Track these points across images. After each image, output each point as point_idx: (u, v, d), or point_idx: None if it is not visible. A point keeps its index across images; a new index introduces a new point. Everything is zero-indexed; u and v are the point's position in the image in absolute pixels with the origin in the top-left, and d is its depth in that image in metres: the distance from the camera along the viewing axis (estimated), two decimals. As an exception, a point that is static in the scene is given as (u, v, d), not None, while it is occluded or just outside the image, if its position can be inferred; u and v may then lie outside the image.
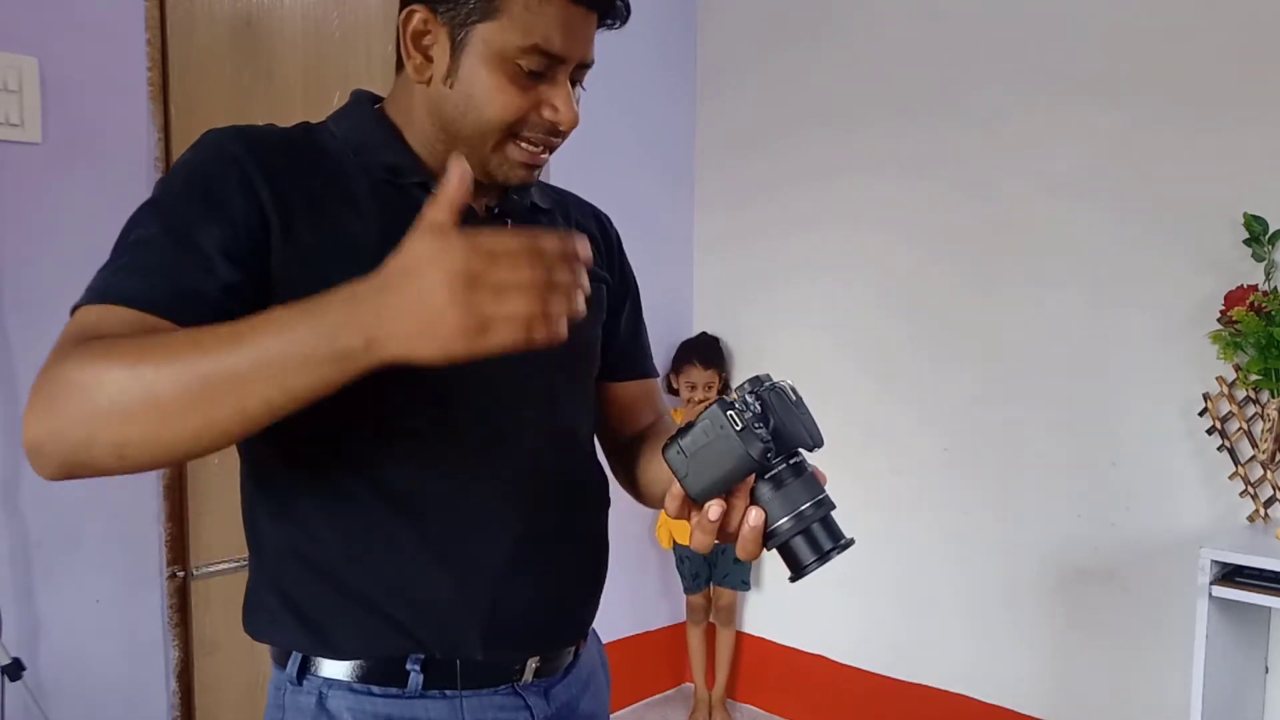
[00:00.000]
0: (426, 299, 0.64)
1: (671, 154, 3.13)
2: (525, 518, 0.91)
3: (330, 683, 0.87)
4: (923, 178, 2.66)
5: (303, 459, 0.87)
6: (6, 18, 1.75)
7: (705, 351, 3.01)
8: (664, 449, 0.78)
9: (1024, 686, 2.54)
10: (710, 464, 0.76)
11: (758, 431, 0.75)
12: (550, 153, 0.90)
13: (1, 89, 1.74)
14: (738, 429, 0.75)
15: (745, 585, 3.03)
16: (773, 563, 3.08)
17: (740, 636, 3.14)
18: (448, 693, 0.88)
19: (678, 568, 3.03)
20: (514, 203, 0.97)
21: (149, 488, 1.98)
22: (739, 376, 3.14)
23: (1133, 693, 2.34)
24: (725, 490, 0.77)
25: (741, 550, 0.79)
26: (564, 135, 0.89)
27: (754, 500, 0.78)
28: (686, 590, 3.03)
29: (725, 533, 0.79)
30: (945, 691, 2.68)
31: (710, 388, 2.97)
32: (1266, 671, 2.16)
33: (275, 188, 0.83)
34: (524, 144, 0.88)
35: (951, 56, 2.60)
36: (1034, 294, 2.46)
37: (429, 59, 0.87)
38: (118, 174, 1.91)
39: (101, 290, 0.78)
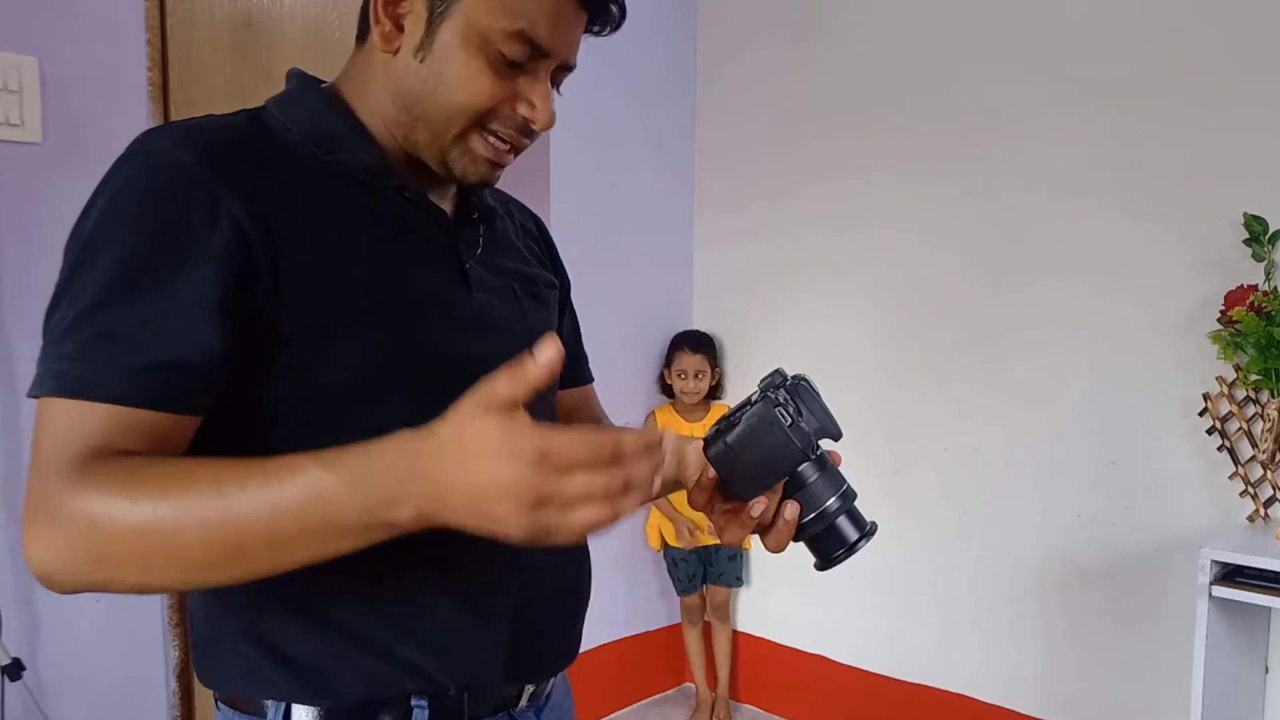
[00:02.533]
0: (489, 507, 0.61)
1: (672, 152, 3.13)
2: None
3: None
4: (923, 177, 2.66)
5: None
6: (6, 18, 1.75)
7: (694, 338, 3.02)
8: (706, 448, 0.79)
9: (1023, 686, 2.54)
10: (758, 460, 0.77)
11: (802, 425, 0.77)
12: (516, 154, 0.84)
13: (1, 89, 1.74)
14: (787, 424, 0.76)
15: (739, 581, 3.05)
16: (767, 564, 3.08)
17: (740, 636, 3.14)
18: None
19: (670, 572, 3.02)
20: (482, 204, 0.91)
21: (149, 488, 1.98)
22: (735, 375, 3.14)
23: (1133, 693, 2.34)
24: (770, 486, 0.78)
25: (773, 542, 0.80)
26: (534, 136, 0.83)
27: (784, 496, 0.80)
28: (681, 592, 3.02)
29: (758, 527, 0.80)
30: (945, 691, 2.68)
31: (701, 376, 2.97)
32: (1266, 671, 2.16)
33: (247, 203, 0.73)
34: (491, 138, 0.81)
35: (952, 56, 2.60)
36: (1034, 293, 2.46)
37: (399, 28, 0.80)
38: (118, 174, 1.91)
39: (71, 380, 0.69)
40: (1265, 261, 2.06)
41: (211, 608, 0.82)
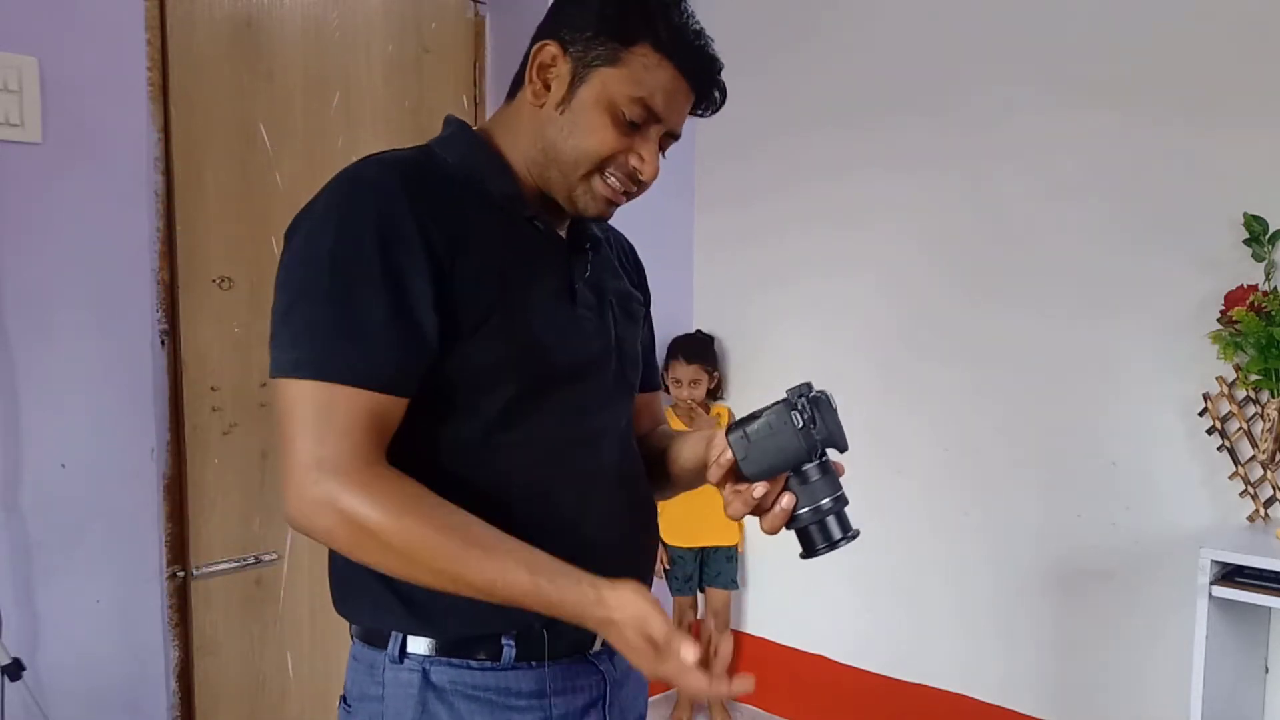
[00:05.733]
0: (630, 659, 0.89)
1: (671, 154, 3.10)
2: (619, 509, 1.05)
3: (432, 660, 0.97)
4: (922, 177, 2.66)
5: (442, 472, 0.94)
6: (6, 18, 1.75)
7: (690, 348, 3.01)
8: (728, 432, 0.94)
9: (1024, 686, 2.54)
10: (768, 451, 0.92)
11: (812, 431, 0.91)
12: (627, 199, 1.04)
13: (1, 89, 1.74)
14: (798, 426, 0.90)
15: (735, 584, 3.03)
16: (767, 564, 3.08)
17: (740, 636, 3.14)
18: (533, 664, 0.99)
19: (667, 570, 3.02)
20: (591, 235, 1.10)
21: (149, 487, 1.98)
22: (736, 375, 3.14)
23: (1133, 692, 2.34)
24: (774, 475, 0.93)
25: (767, 524, 0.96)
26: (643, 186, 1.04)
27: (785, 487, 0.94)
28: (676, 592, 3.01)
29: (759, 509, 0.96)
30: (945, 691, 2.68)
31: (696, 384, 2.96)
32: (1266, 671, 2.16)
33: (438, 224, 0.92)
34: (607, 181, 1.00)
35: (951, 56, 2.60)
36: (1034, 293, 2.47)
37: (547, 88, 0.99)
38: (118, 174, 1.91)
39: (328, 367, 0.87)
40: (1265, 261, 2.07)
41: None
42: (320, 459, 0.86)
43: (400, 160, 0.97)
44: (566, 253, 1.06)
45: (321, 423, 0.86)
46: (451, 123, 1.06)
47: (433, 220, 0.92)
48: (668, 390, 3.03)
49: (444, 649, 0.97)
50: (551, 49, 0.98)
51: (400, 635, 0.97)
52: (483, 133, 1.06)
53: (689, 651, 0.85)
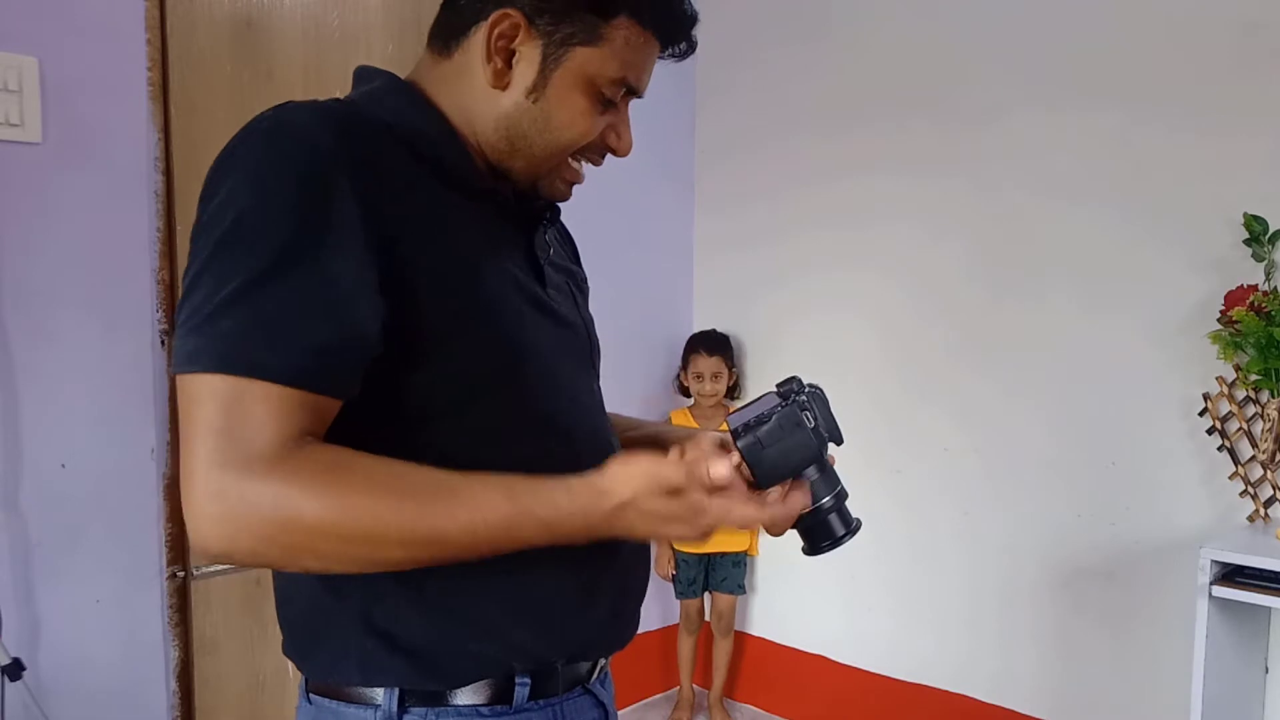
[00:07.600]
0: (666, 531, 0.78)
1: (671, 155, 3.13)
2: None
3: (439, 712, 0.84)
4: (922, 178, 2.66)
5: None
6: (6, 18, 1.75)
7: (710, 341, 2.98)
8: (737, 438, 0.86)
9: (1024, 686, 2.54)
10: (782, 456, 0.85)
11: (821, 430, 0.86)
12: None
13: (1, 89, 1.74)
14: (811, 427, 0.85)
15: (741, 589, 3.01)
16: (768, 566, 3.08)
17: (741, 636, 3.14)
18: (541, 701, 0.88)
19: (673, 575, 3.00)
20: (550, 208, 0.99)
21: (149, 487, 1.98)
22: (745, 376, 3.14)
23: (1133, 693, 2.34)
24: (785, 479, 0.86)
25: (775, 528, 0.87)
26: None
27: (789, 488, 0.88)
28: (680, 595, 3.00)
29: None
30: (945, 691, 2.68)
31: (718, 377, 2.92)
32: (1266, 671, 2.16)
33: (381, 189, 0.77)
34: (577, 164, 0.92)
35: (951, 56, 2.60)
36: (1034, 293, 2.47)
37: (509, 66, 0.85)
38: (118, 174, 1.91)
39: (236, 359, 0.70)
40: (1265, 261, 2.06)
41: (322, 598, 0.84)
42: (224, 467, 0.68)
43: (336, 113, 0.79)
44: (529, 228, 0.93)
45: (226, 425, 0.69)
46: (376, 74, 0.90)
47: (378, 184, 0.77)
48: (686, 391, 3.02)
49: (448, 698, 0.84)
50: (514, 20, 0.83)
51: (397, 691, 0.83)
52: (417, 90, 0.88)
53: (721, 468, 0.75)
